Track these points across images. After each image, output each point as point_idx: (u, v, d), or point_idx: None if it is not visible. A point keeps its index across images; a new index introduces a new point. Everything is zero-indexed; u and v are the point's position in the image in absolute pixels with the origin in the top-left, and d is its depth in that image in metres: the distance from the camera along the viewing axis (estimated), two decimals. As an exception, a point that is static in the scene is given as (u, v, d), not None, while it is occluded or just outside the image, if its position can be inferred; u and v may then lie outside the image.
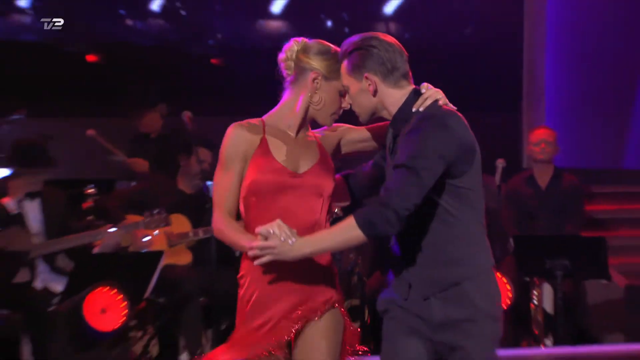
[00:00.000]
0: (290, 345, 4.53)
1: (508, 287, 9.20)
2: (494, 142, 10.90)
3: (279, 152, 4.43)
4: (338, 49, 4.48)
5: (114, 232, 8.68)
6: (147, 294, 8.68)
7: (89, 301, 8.01)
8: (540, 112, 13.49)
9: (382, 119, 4.69)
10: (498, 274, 8.85)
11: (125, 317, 8.10)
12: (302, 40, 4.48)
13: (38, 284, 8.49)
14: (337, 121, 4.78)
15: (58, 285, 8.47)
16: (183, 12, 13.47)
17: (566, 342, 9.43)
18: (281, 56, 4.49)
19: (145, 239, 8.95)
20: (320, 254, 4.44)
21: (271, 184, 4.42)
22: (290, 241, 4.14)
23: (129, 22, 13.33)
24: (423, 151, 4.18)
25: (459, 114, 4.37)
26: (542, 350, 9.33)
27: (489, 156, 10.15)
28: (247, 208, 4.51)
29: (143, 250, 8.97)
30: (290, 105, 4.49)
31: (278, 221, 4.14)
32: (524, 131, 12.73)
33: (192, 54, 13.16)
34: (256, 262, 4.20)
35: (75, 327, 8.26)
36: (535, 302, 9.56)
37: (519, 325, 9.67)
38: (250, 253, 4.18)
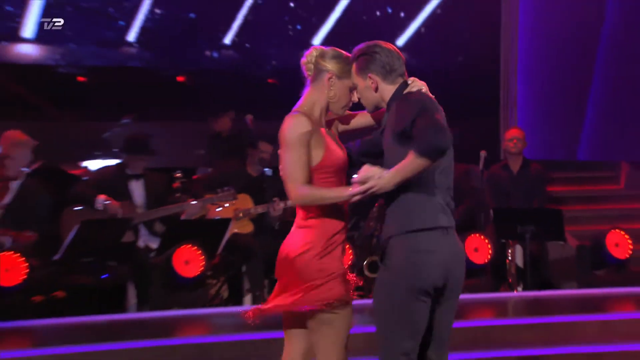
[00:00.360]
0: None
1: (489, 247, 9.21)
2: (478, 139, 11.04)
3: (329, 136, 4.32)
4: (349, 54, 4.37)
5: (195, 204, 8.76)
6: (219, 251, 8.74)
7: (176, 255, 8.14)
8: (513, 118, 13.28)
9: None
10: (482, 236, 9.38)
11: (203, 268, 8.26)
12: (320, 47, 4.40)
13: (140, 243, 8.52)
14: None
15: (154, 244, 8.51)
16: (247, 45, 13.25)
17: (533, 288, 9.33)
18: (303, 60, 4.38)
19: (217, 210, 8.92)
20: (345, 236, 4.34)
21: (342, 161, 4.30)
22: (384, 175, 3.94)
23: (207, 52, 13.19)
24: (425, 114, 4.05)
25: (435, 101, 4.28)
26: (514, 294, 9.25)
27: (474, 149, 10.28)
28: (317, 183, 4.27)
29: (216, 218, 8.92)
30: (314, 100, 4.32)
31: (366, 166, 3.95)
32: (500, 131, 12.58)
33: (254, 75, 12.95)
34: (359, 197, 3.96)
35: (167, 274, 8.33)
36: (510, 258, 9.49)
37: (497, 276, 9.62)
38: (356, 198, 3.97)
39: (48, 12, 12.32)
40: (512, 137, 10.11)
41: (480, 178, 10.27)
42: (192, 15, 12.89)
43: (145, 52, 12.96)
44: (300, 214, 4.30)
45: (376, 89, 4.34)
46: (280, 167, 4.25)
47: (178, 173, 9.34)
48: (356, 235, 9.49)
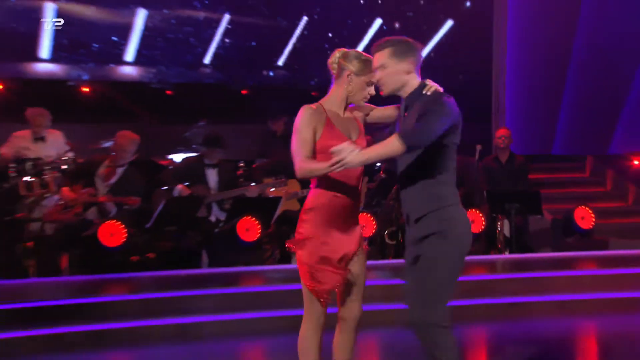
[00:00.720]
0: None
1: (483, 220, 9.16)
2: (475, 137, 10.73)
3: (338, 125, 4.13)
4: (369, 56, 4.12)
5: (254, 187, 8.73)
6: (272, 222, 8.71)
7: (240, 224, 8.10)
8: (502, 120, 13.16)
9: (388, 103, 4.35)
10: (477, 211, 9.24)
11: (259, 235, 8.22)
12: (343, 49, 4.21)
13: (212, 217, 8.47)
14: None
15: (222, 217, 8.47)
16: (295, 66, 13.16)
17: (516, 251, 9.35)
18: (329, 60, 4.22)
19: (271, 190, 8.85)
20: (360, 190, 4.23)
21: (333, 146, 3.94)
22: (354, 152, 3.72)
23: (265, 72, 13.13)
24: (433, 111, 3.84)
25: (452, 98, 3.99)
26: (502, 256, 9.21)
27: (472, 145, 10.04)
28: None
29: (270, 197, 8.86)
30: (336, 94, 4.17)
31: (346, 142, 3.83)
32: (492, 131, 12.37)
33: (300, 89, 12.75)
34: (334, 169, 3.81)
35: (232, 240, 8.27)
36: (499, 229, 9.44)
37: (489, 242, 9.56)
38: (332, 168, 3.77)
39: (144, 42, 12.32)
40: (501, 135, 10.09)
41: (476, 167, 10.16)
42: (253, 43, 12.81)
43: (217, 72, 12.87)
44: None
45: (408, 74, 4.03)
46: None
47: (241, 163, 9.29)
48: (379, 211, 9.43)
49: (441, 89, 4.01)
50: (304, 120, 4.04)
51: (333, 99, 4.17)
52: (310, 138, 4.05)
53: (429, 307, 3.92)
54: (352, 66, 4.10)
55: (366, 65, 4.11)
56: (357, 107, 4.28)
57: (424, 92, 3.99)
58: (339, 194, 4.13)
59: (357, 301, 4.23)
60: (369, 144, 4.13)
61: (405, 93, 4.06)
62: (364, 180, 9.40)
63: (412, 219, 4.04)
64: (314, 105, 4.12)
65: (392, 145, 3.80)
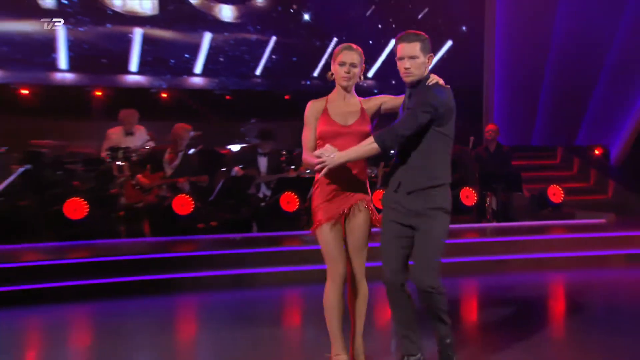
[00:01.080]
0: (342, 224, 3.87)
1: (475, 195, 9.11)
2: (469, 130, 10.82)
3: (334, 113, 3.80)
4: (336, 50, 3.82)
5: (293, 171, 8.61)
6: (307, 197, 8.30)
7: (282, 198, 7.96)
8: (491, 117, 13.34)
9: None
10: (471, 189, 9.07)
11: (297, 206, 8.04)
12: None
13: (260, 194, 8.38)
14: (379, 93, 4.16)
15: (268, 193, 8.36)
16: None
17: (502, 221, 9.30)
18: None
19: (307, 172, 8.54)
20: (359, 172, 3.84)
21: (329, 132, 3.78)
22: (332, 155, 3.52)
23: (302, 81, 12.98)
24: (423, 104, 3.55)
25: (449, 88, 3.69)
26: (490, 224, 9.19)
27: (466, 136, 10.45)
28: (319, 148, 3.78)
29: (307, 177, 8.53)
30: (336, 88, 3.86)
31: (327, 145, 3.62)
32: (483, 125, 12.12)
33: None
34: (320, 172, 3.61)
35: (276, 211, 8.10)
36: (488, 203, 9.36)
37: (480, 213, 9.43)
38: (316, 167, 3.58)
39: (209, 58, 12.18)
40: (489, 129, 9.94)
41: (469, 154, 10.07)
42: (294, 59, 12.65)
43: (265, 81, 12.67)
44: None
45: (426, 66, 3.69)
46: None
47: (284, 152, 9.18)
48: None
49: (442, 82, 3.69)
50: (306, 114, 3.85)
51: (336, 92, 3.88)
52: (311, 129, 3.81)
53: (436, 276, 3.62)
54: (333, 61, 3.83)
55: (336, 54, 3.81)
56: (373, 97, 3.96)
57: (427, 82, 3.67)
58: (333, 173, 3.74)
59: (359, 258, 3.87)
60: (375, 128, 3.86)
61: (414, 83, 3.71)
62: (381, 165, 9.28)
63: (404, 190, 3.67)
64: (320, 99, 3.89)
65: (368, 146, 3.59)
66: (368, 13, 13.12)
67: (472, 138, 10.25)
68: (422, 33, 3.72)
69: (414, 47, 3.61)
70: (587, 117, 13.25)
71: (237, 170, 8.43)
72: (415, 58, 3.61)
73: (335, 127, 3.78)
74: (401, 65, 3.63)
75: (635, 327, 5.25)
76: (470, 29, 13.64)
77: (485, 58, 13.41)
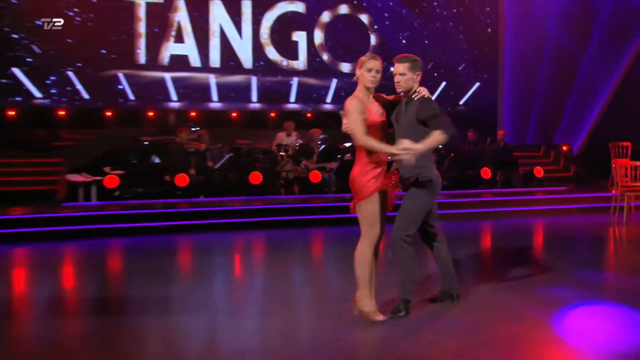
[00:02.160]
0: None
1: (490, 173, 9.86)
2: (485, 134, 11.79)
3: (372, 108, 3.70)
4: (365, 56, 3.67)
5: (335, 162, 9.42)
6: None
7: (311, 175, 8.66)
8: (502, 125, 13.62)
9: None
10: (488, 169, 9.75)
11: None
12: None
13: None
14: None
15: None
16: (342, 94, 13.22)
17: (505, 188, 10.11)
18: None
19: (348, 155, 9.48)
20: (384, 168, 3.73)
21: (376, 123, 3.65)
22: (415, 146, 3.38)
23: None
24: (439, 112, 3.61)
25: (432, 99, 3.70)
26: (498, 190, 9.95)
27: (490, 135, 11.36)
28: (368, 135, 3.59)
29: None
30: (361, 89, 3.72)
31: (407, 140, 3.43)
32: (497, 130, 12.52)
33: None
34: (404, 158, 3.46)
35: (306, 183, 9.09)
36: (498, 177, 10.28)
37: (492, 183, 10.18)
38: (396, 153, 3.42)
39: (335, 93, 12.92)
40: (500, 134, 11.13)
41: (488, 149, 11.03)
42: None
43: (332, 104, 13.23)
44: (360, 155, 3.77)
45: (415, 81, 3.69)
46: (344, 123, 3.69)
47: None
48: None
49: (427, 94, 3.68)
50: (356, 107, 3.61)
51: (361, 92, 3.71)
52: (362, 119, 3.61)
53: (403, 228, 3.66)
54: (359, 67, 3.69)
55: (364, 62, 3.69)
56: (375, 95, 3.85)
57: (414, 95, 3.69)
58: (378, 158, 3.68)
59: (381, 224, 3.77)
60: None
61: (408, 93, 3.75)
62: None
63: (405, 178, 3.76)
64: (355, 97, 3.69)
65: (438, 137, 3.47)
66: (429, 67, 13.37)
67: (501, 132, 11.14)
68: (413, 55, 3.72)
69: (404, 67, 3.69)
70: (562, 122, 13.59)
71: (348, 157, 9.67)
72: (403, 75, 3.68)
73: (379, 119, 3.68)
74: (394, 79, 3.75)
75: (573, 249, 6.10)
76: (483, 55, 13.87)
77: (499, 80, 13.97)
